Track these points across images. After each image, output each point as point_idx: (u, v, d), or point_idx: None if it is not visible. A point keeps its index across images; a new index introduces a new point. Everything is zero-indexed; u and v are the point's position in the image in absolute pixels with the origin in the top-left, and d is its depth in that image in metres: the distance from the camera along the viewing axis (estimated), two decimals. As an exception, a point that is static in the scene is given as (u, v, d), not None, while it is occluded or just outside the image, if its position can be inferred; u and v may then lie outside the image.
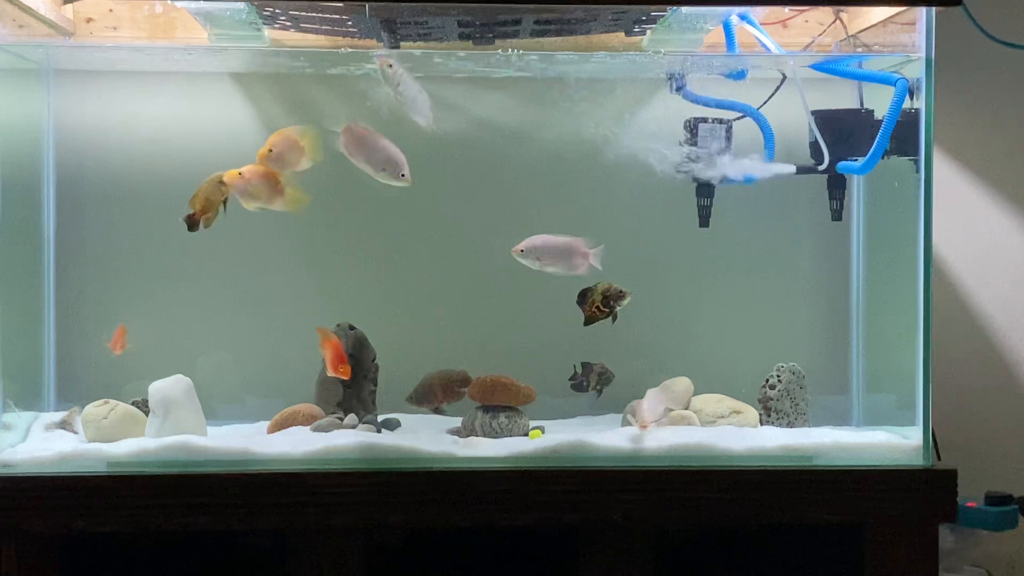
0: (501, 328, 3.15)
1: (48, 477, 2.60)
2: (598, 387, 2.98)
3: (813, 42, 3.06)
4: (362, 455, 2.70)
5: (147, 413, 2.84)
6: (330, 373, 2.82)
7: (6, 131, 2.80)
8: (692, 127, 2.93)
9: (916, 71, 2.74)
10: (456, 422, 2.96)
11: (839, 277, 3.20)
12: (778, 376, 3.00)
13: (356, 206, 3.18)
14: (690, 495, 2.66)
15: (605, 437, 2.78)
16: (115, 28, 3.05)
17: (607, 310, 2.87)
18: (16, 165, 2.85)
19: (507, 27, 2.80)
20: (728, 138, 2.93)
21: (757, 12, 2.92)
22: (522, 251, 2.84)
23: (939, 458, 2.91)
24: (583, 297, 2.89)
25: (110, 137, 3.13)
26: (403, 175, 2.76)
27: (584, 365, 2.98)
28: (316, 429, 2.83)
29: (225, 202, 2.78)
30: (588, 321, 2.89)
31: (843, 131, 2.93)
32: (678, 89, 2.99)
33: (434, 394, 2.94)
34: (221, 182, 2.77)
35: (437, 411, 2.96)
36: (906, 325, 2.75)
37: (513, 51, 2.87)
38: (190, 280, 3.12)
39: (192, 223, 2.79)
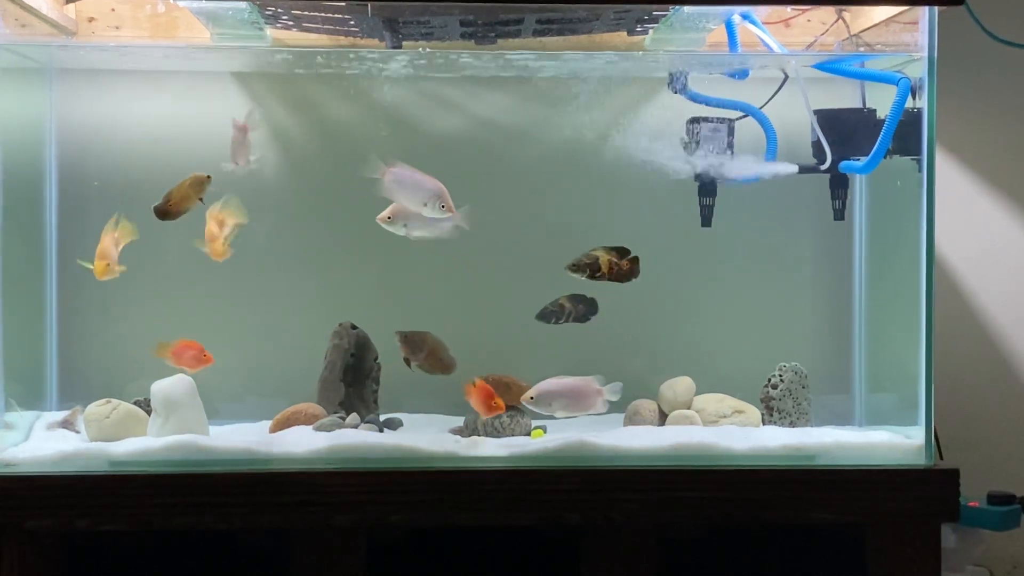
0: (503, 327, 3.14)
1: (50, 476, 2.60)
2: (579, 318, 2.92)
3: (815, 41, 3.05)
4: (364, 454, 2.71)
5: (149, 412, 2.84)
6: (486, 416, 2.83)
7: (8, 130, 2.80)
8: (694, 127, 2.93)
9: (918, 70, 2.74)
10: (458, 421, 2.97)
11: (841, 276, 3.20)
12: (780, 376, 3.00)
13: (358, 206, 3.18)
14: (692, 495, 2.66)
15: (607, 437, 2.78)
16: (117, 27, 3.05)
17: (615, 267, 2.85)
18: (18, 164, 2.85)
19: (509, 26, 2.80)
20: (730, 137, 2.93)
21: (759, 11, 2.92)
22: (389, 218, 2.80)
23: (941, 457, 2.91)
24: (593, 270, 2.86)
25: (112, 136, 3.13)
26: (442, 206, 2.76)
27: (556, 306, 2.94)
28: (318, 428, 2.83)
29: (202, 199, 2.81)
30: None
31: (845, 130, 2.92)
32: (680, 88, 2.99)
33: (420, 350, 2.90)
34: (201, 182, 2.81)
35: (407, 362, 2.89)
36: (908, 324, 2.75)
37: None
38: (192, 279, 3.12)
39: (164, 213, 2.82)
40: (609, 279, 2.85)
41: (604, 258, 2.84)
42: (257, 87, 3.16)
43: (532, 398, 2.79)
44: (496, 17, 2.73)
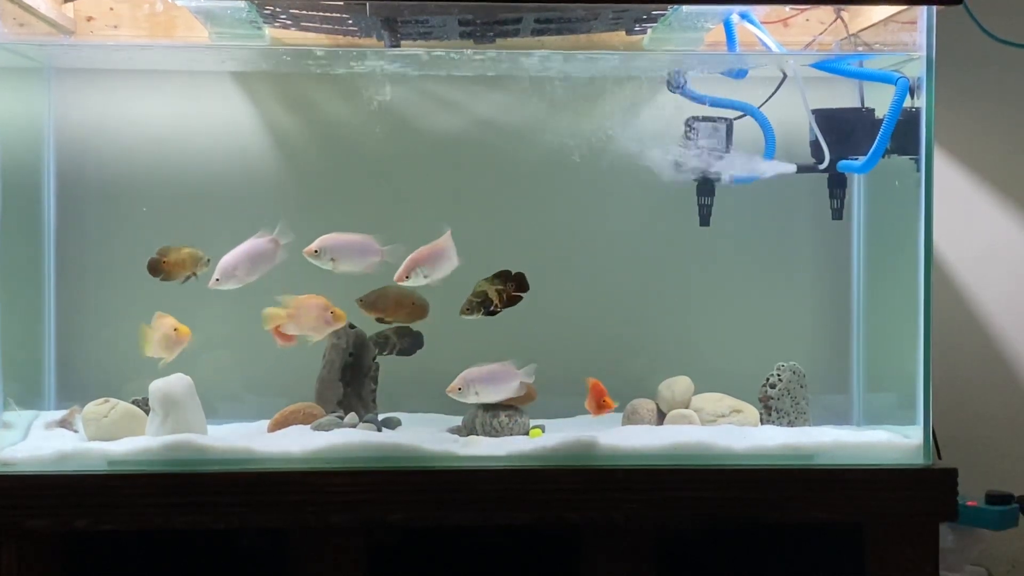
0: (501, 326, 3.14)
1: (49, 476, 2.60)
2: (404, 351, 2.95)
3: (814, 41, 3.05)
4: (362, 454, 2.70)
5: (148, 412, 2.84)
6: (596, 414, 2.87)
7: (6, 130, 2.80)
8: (693, 126, 2.93)
9: (917, 70, 2.74)
10: (457, 421, 2.97)
11: (840, 276, 3.20)
12: (778, 375, 3.00)
13: (357, 205, 3.18)
14: (691, 494, 2.66)
15: (605, 436, 2.78)
16: (116, 27, 3.05)
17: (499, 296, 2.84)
18: (16, 164, 2.85)
19: (508, 26, 2.80)
20: (729, 137, 2.93)
21: (758, 11, 2.92)
22: (315, 252, 2.80)
23: (939, 457, 2.91)
24: (484, 305, 2.85)
25: (110, 136, 3.13)
26: (426, 276, 2.80)
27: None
28: (316, 428, 2.83)
29: (195, 275, 2.85)
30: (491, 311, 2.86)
31: (844, 130, 2.93)
32: (679, 88, 2.99)
33: (385, 305, 2.89)
34: (199, 260, 2.85)
35: (380, 321, 2.91)
36: (906, 324, 2.75)
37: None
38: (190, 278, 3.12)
39: (155, 270, 2.85)
40: (504, 307, 2.85)
41: (491, 290, 2.84)
42: (256, 86, 3.16)
43: (459, 388, 2.80)
44: (494, 16, 2.73)
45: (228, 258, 2.82)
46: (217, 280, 2.81)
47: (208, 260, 2.86)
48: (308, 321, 2.83)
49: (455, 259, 2.83)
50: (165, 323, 2.81)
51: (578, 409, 3.08)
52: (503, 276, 2.85)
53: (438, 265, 2.82)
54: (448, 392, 2.81)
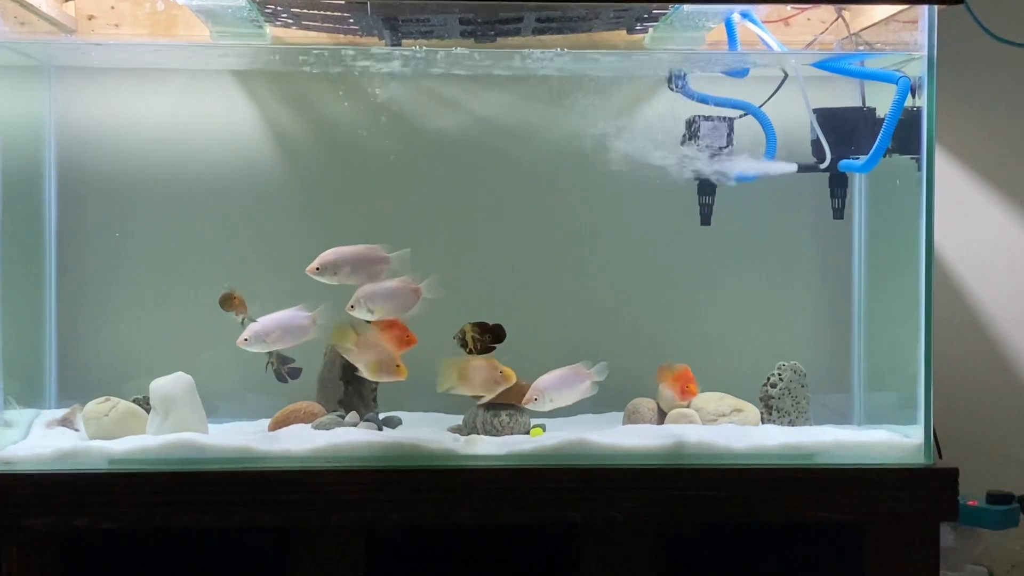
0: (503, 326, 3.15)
1: (49, 474, 2.60)
2: (281, 378, 2.95)
3: (815, 40, 3.05)
4: (363, 452, 2.70)
5: (148, 411, 2.84)
6: (681, 400, 2.91)
7: (7, 128, 2.80)
8: (694, 125, 2.93)
9: (918, 69, 2.73)
10: (457, 420, 2.97)
11: (840, 275, 3.20)
12: (779, 374, 3.00)
13: (357, 205, 3.18)
14: (691, 493, 2.66)
15: (606, 435, 2.78)
16: (117, 25, 3.05)
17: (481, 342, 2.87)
18: (17, 163, 2.85)
19: (509, 25, 2.80)
20: (730, 136, 2.93)
21: (759, 10, 2.92)
22: (317, 269, 2.80)
23: (940, 456, 2.91)
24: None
25: (111, 135, 3.13)
26: (371, 311, 2.80)
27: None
28: (317, 427, 2.83)
29: (243, 321, 2.85)
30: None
31: (845, 129, 2.92)
32: (680, 87, 2.99)
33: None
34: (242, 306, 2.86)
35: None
36: (907, 323, 2.75)
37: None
38: (191, 277, 3.12)
39: (228, 303, 2.86)
40: (479, 352, 2.86)
41: (470, 336, 2.87)
42: (257, 85, 3.16)
43: (535, 399, 2.80)
44: (496, 15, 2.73)
45: (262, 324, 2.82)
46: (246, 340, 2.82)
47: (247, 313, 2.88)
48: (478, 380, 2.82)
49: (409, 303, 2.83)
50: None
51: (579, 408, 3.08)
52: (482, 327, 2.87)
53: (383, 303, 2.81)
54: (524, 404, 2.82)
